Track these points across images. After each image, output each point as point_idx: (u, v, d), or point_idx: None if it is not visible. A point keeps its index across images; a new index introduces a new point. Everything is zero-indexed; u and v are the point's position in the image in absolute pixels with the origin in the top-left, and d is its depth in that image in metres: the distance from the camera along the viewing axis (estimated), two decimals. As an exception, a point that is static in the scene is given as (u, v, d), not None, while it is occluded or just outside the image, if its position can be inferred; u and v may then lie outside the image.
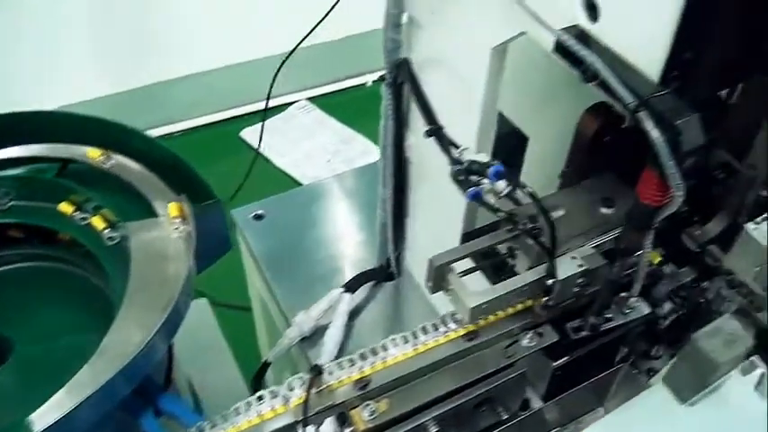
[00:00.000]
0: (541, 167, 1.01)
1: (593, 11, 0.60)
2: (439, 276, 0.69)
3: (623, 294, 0.71)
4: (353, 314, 1.06)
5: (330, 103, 2.76)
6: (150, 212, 0.84)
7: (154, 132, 2.67)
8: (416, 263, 1.10)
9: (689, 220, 0.79)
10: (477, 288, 0.71)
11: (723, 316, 0.55)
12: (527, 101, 1.05)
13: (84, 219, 0.82)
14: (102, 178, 0.89)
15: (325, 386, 0.66)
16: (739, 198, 0.75)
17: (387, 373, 0.68)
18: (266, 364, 1.04)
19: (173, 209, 0.80)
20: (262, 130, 1.82)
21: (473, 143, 0.82)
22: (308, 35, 1.24)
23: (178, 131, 2.70)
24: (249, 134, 2.61)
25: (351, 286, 1.05)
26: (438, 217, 0.95)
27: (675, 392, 0.55)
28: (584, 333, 0.71)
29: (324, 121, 2.69)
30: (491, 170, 0.67)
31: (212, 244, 0.84)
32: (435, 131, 0.78)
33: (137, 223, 0.82)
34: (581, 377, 0.83)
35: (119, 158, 0.88)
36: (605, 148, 0.71)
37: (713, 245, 0.73)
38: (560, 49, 0.60)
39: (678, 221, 0.78)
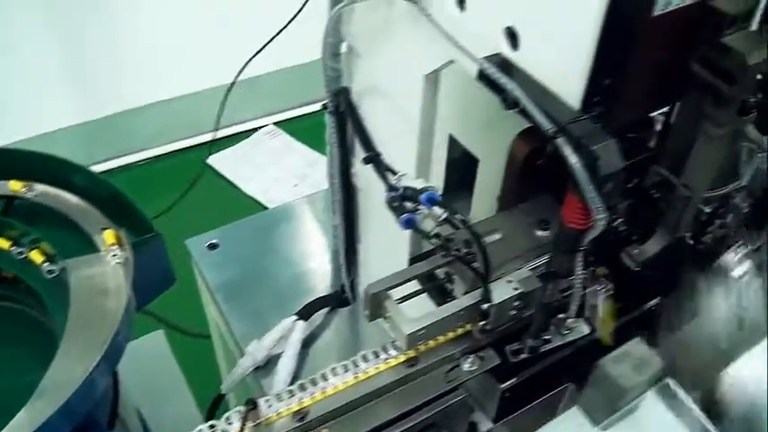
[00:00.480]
0: (491, 190, 1.02)
1: (513, 39, 0.61)
2: (375, 304, 0.69)
3: (561, 315, 0.72)
4: (309, 341, 1.06)
5: (297, 128, 2.77)
6: (92, 247, 0.84)
7: (119, 162, 2.67)
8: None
9: (628, 239, 0.79)
10: (416, 314, 0.71)
11: (632, 340, 0.55)
12: (475, 123, 1.06)
13: (21, 253, 0.81)
14: (47, 214, 0.88)
15: (262, 419, 0.66)
16: (676, 217, 0.76)
17: (326, 403, 0.68)
18: (220, 396, 1.03)
19: (108, 236, 0.80)
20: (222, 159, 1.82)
21: (413, 169, 0.83)
22: (246, 64, 1.26)
23: (144, 159, 2.69)
24: (216, 160, 2.61)
25: (304, 313, 1.05)
26: (387, 242, 0.95)
27: (589, 416, 0.56)
28: (523, 355, 0.71)
29: (291, 146, 2.70)
30: (424, 196, 0.67)
31: (154, 278, 0.84)
32: (373, 158, 0.79)
33: (77, 259, 0.81)
34: (530, 397, 0.83)
35: (60, 193, 0.87)
36: (539, 171, 0.72)
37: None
38: (483, 77, 0.61)
39: (617, 240, 0.79)
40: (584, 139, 0.54)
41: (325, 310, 1.09)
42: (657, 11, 0.57)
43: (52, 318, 0.83)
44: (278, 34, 1.00)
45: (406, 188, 0.70)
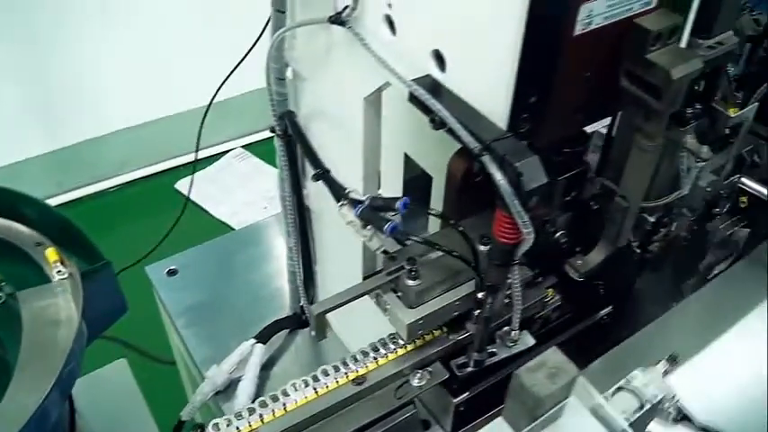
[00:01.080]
0: (445, 206, 1.04)
1: (441, 62, 0.63)
2: (321, 325, 0.70)
3: (506, 328, 0.73)
4: (269, 364, 1.07)
5: (266, 150, 2.78)
6: (43, 278, 0.84)
7: (89, 189, 2.66)
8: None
9: (571, 250, 0.81)
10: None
11: (549, 349, 0.57)
12: (426, 141, 1.08)
13: (-34, 282, 0.82)
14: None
15: (212, 443, 0.67)
16: (616, 227, 0.78)
17: (276, 424, 0.69)
18: (180, 423, 1.04)
19: (51, 254, 0.81)
20: (191, 183, 1.84)
21: (360, 188, 0.85)
22: (219, 88, 1.27)
23: (114, 186, 2.69)
24: (184, 185, 2.61)
25: (262, 336, 1.05)
26: (342, 262, 0.97)
27: (512, 426, 0.57)
28: (469, 369, 0.73)
29: (260, 168, 2.71)
30: (400, 203, 0.69)
31: (106, 306, 0.85)
32: (322, 175, 0.81)
33: (29, 290, 0.82)
34: (485, 408, 0.84)
35: (11, 225, 0.88)
36: (477, 188, 0.74)
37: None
38: (413, 98, 0.62)
39: (560, 252, 0.81)
40: (508, 156, 0.56)
41: (285, 332, 1.09)
42: (578, 30, 0.59)
43: (6, 348, 0.83)
44: (244, 58, 1.01)
45: (373, 198, 0.72)
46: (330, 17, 0.70)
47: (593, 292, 0.89)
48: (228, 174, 2.69)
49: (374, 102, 0.77)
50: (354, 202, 0.73)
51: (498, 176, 0.56)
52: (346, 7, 0.69)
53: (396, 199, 0.70)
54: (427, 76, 0.65)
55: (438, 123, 0.60)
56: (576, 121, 0.68)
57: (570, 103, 0.65)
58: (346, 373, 0.73)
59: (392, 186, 1.25)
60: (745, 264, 1.04)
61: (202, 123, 1.43)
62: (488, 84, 0.59)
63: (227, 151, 2.78)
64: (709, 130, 0.94)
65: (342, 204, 0.76)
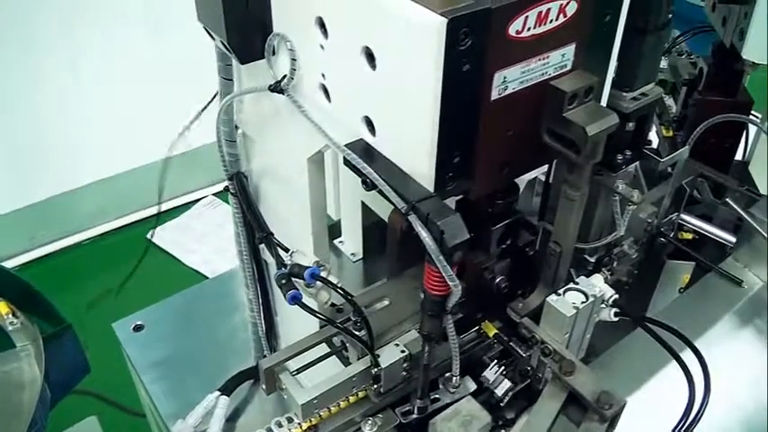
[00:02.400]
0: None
1: (371, 127, 0.68)
2: (270, 379, 0.74)
3: (448, 374, 0.78)
4: (234, 416, 1.10)
5: (238, 197, 2.82)
6: (8, 343, 0.88)
7: (62, 243, 2.69)
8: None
9: (512, 294, 0.86)
10: (311, 383, 0.76)
11: (464, 398, 0.61)
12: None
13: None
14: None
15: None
16: (552, 271, 0.83)
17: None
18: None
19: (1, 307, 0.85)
20: (156, 225, 1.88)
21: (310, 245, 0.89)
22: (177, 139, 1.31)
23: (87, 239, 2.72)
24: (158, 235, 2.64)
25: (227, 388, 1.08)
26: (300, 313, 1.00)
27: None
28: (414, 416, 0.77)
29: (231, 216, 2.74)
30: (307, 272, 0.73)
31: (69, 368, 0.88)
32: (264, 238, 0.85)
33: (-7, 356, 0.85)
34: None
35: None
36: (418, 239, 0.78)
37: (526, 318, 0.80)
38: (346, 162, 0.67)
39: (502, 297, 0.85)
40: (432, 215, 0.61)
41: (249, 383, 1.12)
42: (495, 95, 0.65)
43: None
44: (205, 108, 1.05)
45: (293, 265, 0.76)
46: (270, 86, 0.75)
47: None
48: (200, 222, 2.73)
49: (317, 161, 0.82)
50: (279, 266, 0.77)
51: (424, 234, 0.61)
52: (285, 77, 0.74)
53: (306, 268, 0.74)
54: (360, 140, 0.70)
55: (370, 185, 0.65)
56: (504, 176, 0.73)
57: (495, 161, 0.70)
58: (299, 424, 0.76)
59: (352, 232, 1.30)
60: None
61: (162, 175, 1.46)
62: (413, 147, 0.64)
63: (199, 199, 2.82)
64: (645, 174, 1.00)
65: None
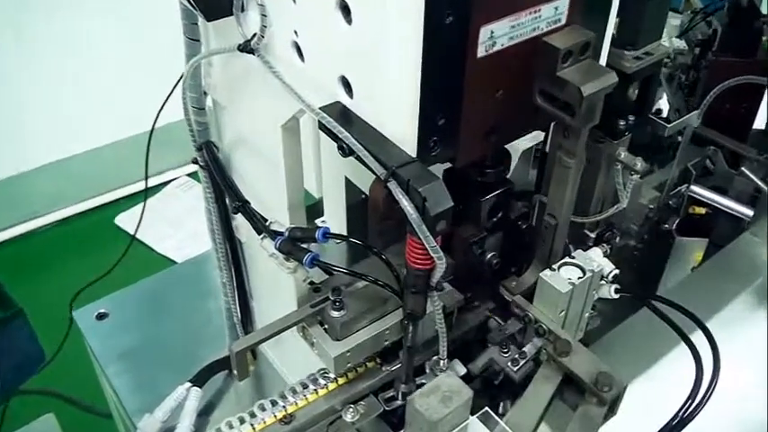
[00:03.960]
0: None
1: (348, 88, 0.70)
2: (242, 363, 0.76)
3: (435, 357, 0.79)
4: (207, 409, 1.11)
5: (213, 177, 2.83)
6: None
7: (21, 228, 2.69)
8: (270, 345, 1.16)
9: (505, 271, 0.88)
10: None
11: (444, 373, 0.63)
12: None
13: None
14: None
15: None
16: (547, 246, 0.85)
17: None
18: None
19: None
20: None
21: (286, 220, 0.90)
22: (158, 116, 1.31)
23: (48, 224, 2.72)
24: (125, 220, 2.65)
25: (198, 379, 1.09)
26: (277, 295, 1.02)
27: None
28: (398, 402, 0.78)
29: (207, 197, 2.76)
30: (319, 232, 0.75)
31: (21, 357, 0.89)
32: (241, 207, 0.86)
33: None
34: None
35: None
36: (400, 212, 0.80)
37: (519, 296, 0.82)
38: (321, 126, 0.68)
39: (494, 274, 0.87)
40: (413, 181, 0.62)
41: (223, 373, 1.14)
42: (482, 52, 0.66)
43: None
44: (176, 86, 1.06)
45: (292, 230, 0.78)
46: (239, 45, 0.76)
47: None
48: (172, 205, 2.74)
49: (292, 129, 0.83)
50: (275, 234, 0.79)
51: (404, 202, 0.62)
52: (255, 35, 0.75)
53: (315, 229, 0.76)
54: (337, 102, 0.71)
55: (347, 150, 0.66)
56: (493, 142, 0.75)
57: (482, 124, 0.71)
58: (274, 413, 0.78)
59: (335, 212, 1.30)
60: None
61: (148, 150, 1.46)
62: (393, 109, 0.66)
63: (171, 181, 2.83)
64: (649, 141, 1.01)
65: (263, 237, 0.81)
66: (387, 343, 0.80)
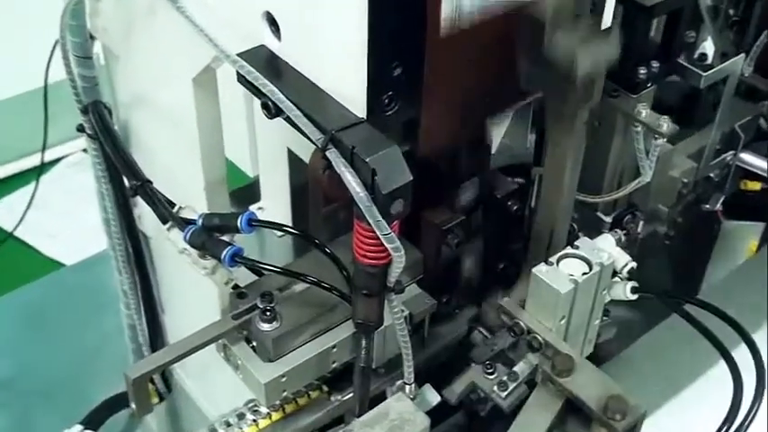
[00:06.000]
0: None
1: (275, 26, 0.70)
2: (141, 394, 0.76)
3: (399, 382, 0.80)
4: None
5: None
6: None
7: None
8: (188, 372, 1.17)
9: (493, 267, 0.90)
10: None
11: (391, 397, 0.64)
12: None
13: None
14: None
15: None
16: (543, 244, 0.87)
17: None
18: None
19: None
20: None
21: (202, 200, 0.91)
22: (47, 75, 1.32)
23: None
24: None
25: (92, 421, 1.10)
26: (196, 306, 1.03)
27: None
28: None
29: (110, 180, 2.74)
30: (243, 218, 0.75)
31: None
32: (139, 188, 0.85)
33: None
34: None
35: None
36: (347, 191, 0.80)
37: (507, 298, 0.83)
38: (240, 78, 0.69)
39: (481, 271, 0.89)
40: (359, 148, 0.62)
41: (125, 412, 1.14)
42: None
43: None
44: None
45: (206, 216, 0.78)
46: (134, -27, 0.78)
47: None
48: (62, 192, 2.71)
49: (207, 83, 0.84)
50: (184, 223, 0.79)
51: (348, 176, 0.62)
52: (154, -40, 0.76)
53: (237, 214, 0.76)
54: (261, 46, 0.72)
55: (273, 110, 0.66)
56: (471, 108, 0.76)
57: (454, 82, 0.72)
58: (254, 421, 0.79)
59: (276, 195, 1.32)
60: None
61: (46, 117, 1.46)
62: (333, 54, 0.66)
63: (61, 158, 2.81)
64: (682, 96, 1.03)
65: (169, 227, 0.81)
66: (335, 364, 0.81)
